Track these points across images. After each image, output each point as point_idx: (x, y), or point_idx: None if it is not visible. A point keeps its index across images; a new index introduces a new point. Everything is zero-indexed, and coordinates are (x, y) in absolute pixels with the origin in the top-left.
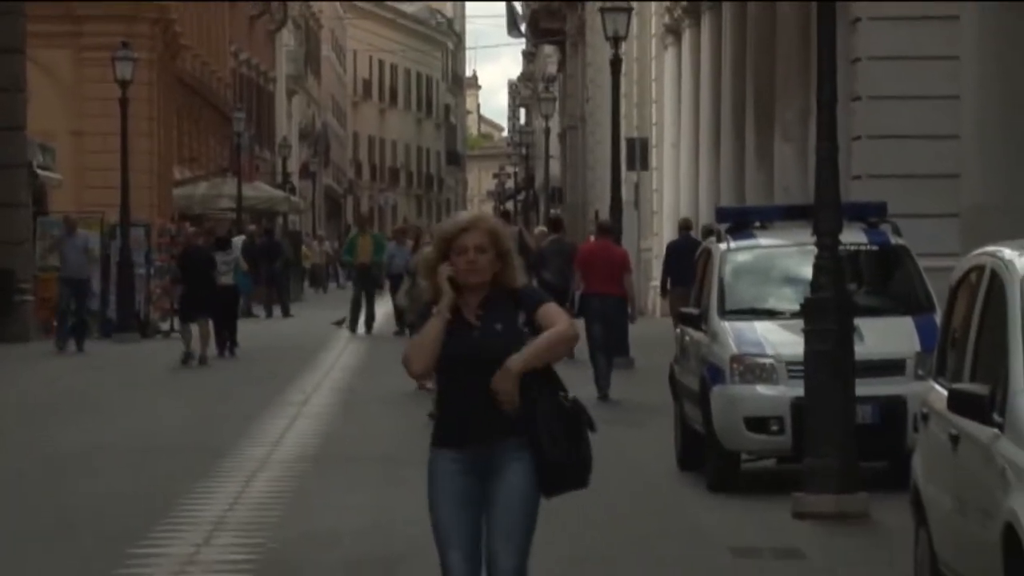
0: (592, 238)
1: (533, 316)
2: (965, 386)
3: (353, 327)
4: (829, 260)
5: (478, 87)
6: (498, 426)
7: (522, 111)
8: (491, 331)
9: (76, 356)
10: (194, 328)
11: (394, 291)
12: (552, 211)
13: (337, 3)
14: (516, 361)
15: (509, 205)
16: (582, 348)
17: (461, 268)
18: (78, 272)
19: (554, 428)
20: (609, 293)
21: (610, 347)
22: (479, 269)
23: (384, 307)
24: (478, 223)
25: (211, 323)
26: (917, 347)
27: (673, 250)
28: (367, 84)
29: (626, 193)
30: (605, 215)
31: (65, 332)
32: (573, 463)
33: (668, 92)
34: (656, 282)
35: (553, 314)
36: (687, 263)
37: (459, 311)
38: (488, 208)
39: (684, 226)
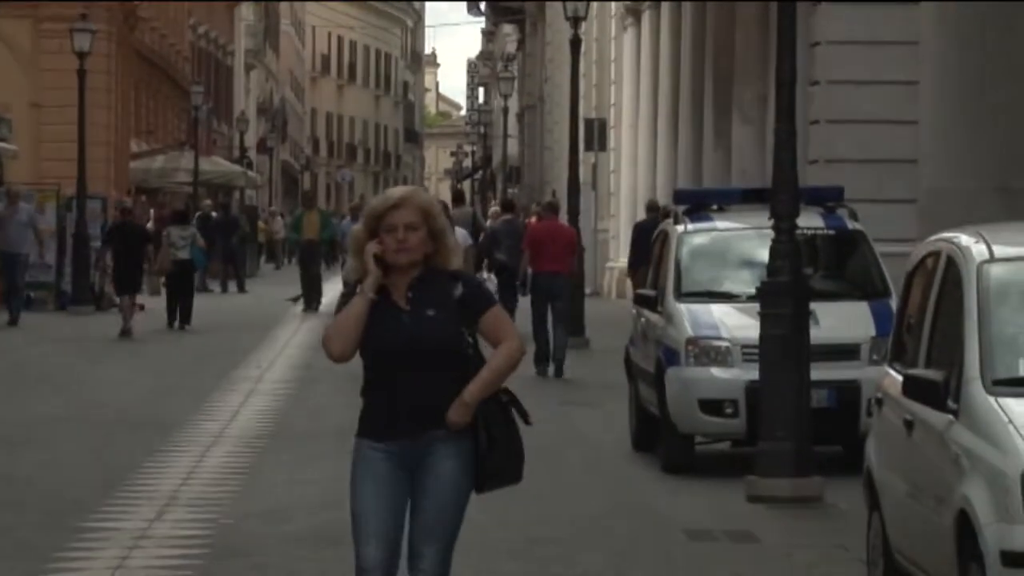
0: (534, 218)
1: (477, 320)
2: (920, 372)
3: (308, 305)
4: (786, 244)
5: (437, 65)
6: (428, 418)
7: (481, 90)
8: (422, 317)
9: (26, 328)
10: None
11: None
12: (509, 190)
13: None
14: (473, 394)
15: (466, 184)
16: (527, 322)
17: (390, 247)
18: (16, 245)
19: (492, 426)
20: (558, 271)
21: (560, 325)
22: (409, 248)
23: (338, 284)
24: (409, 200)
25: (135, 297)
26: (872, 332)
27: (641, 231)
28: (326, 60)
29: (584, 174)
30: (563, 195)
31: (15, 304)
32: (510, 460)
33: (627, 73)
34: (612, 263)
35: (498, 324)
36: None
37: (389, 294)
38: (445, 186)
39: (651, 207)
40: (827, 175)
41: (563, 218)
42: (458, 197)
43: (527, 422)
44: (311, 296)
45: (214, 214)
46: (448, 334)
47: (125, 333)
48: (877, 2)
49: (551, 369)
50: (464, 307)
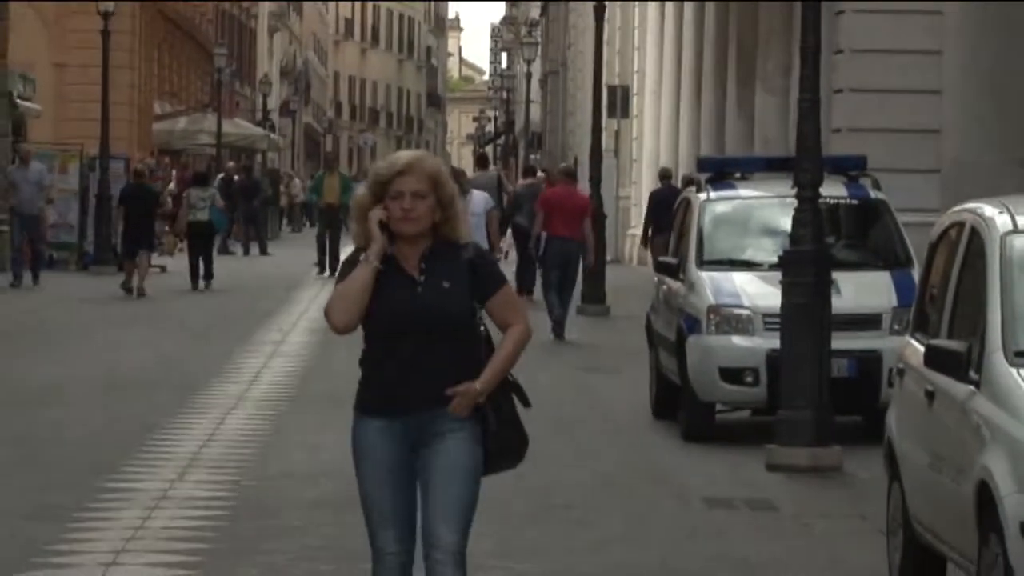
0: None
1: (488, 298)
2: (942, 343)
3: (322, 268)
4: (808, 213)
5: (460, 29)
6: (433, 394)
7: (504, 55)
8: (437, 288)
9: (47, 289)
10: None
11: None
12: (531, 156)
13: None
14: (487, 383)
15: (488, 149)
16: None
17: (396, 215)
18: (30, 206)
19: (500, 403)
20: (571, 237)
21: (568, 289)
22: (416, 217)
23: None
24: (417, 165)
25: (148, 256)
26: (894, 302)
27: (659, 199)
28: (349, 23)
29: (606, 140)
30: (585, 162)
31: (20, 265)
32: (518, 441)
33: (651, 40)
34: (633, 230)
35: (508, 305)
36: (669, 212)
37: (398, 264)
38: (468, 151)
39: (664, 175)
40: (850, 144)
41: (584, 185)
42: (482, 161)
43: (527, 405)
44: (326, 260)
45: (236, 177)
46: (462, 307)
47: (140, 294)
48: None
49: (552, 331)
50: (475, 281)
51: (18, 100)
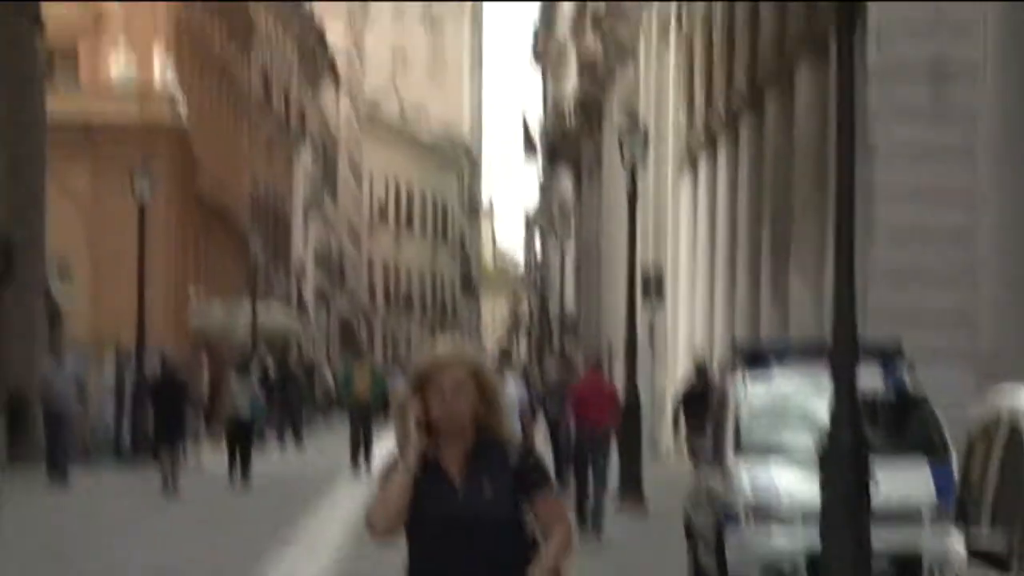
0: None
1: (531, 501)
2: (984, 539)
3: (356, 464)
4: (846, 405)
5: (494, 214)
6: None
7: (537, 239)
8: (478, 494)
9: (80, 486)
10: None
11: None
12: (566, 343)
13: (354, 123)
14: None
15: (523, 336)
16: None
17: (435, 410)
18: (62, 405)
19: None
20: (600, 423)
21: (601, 480)
22: (457, 412)
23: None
24: (458, 359)
25: (180, 450)
26: (933, 495)
27: (694, 391)
28: (383, 209)
29: (640, 327)
30: (619, 348)
31: (55, 468)
32: None
33: (684, 224)
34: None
35: (551, 508)
36: (704, 402)
37: (439, 464)
38: (500, 336)
39: (698, 367)
40: (884, 327)
41: (619, 376)
42: (505, 357)
43: None
44: (358, 458)
45: (270, 362)
46: (506, 513)
47: (173, 490)
48: (936, 152)
49: (589, 528)
50: (520, 484)
51: (53, 292)
